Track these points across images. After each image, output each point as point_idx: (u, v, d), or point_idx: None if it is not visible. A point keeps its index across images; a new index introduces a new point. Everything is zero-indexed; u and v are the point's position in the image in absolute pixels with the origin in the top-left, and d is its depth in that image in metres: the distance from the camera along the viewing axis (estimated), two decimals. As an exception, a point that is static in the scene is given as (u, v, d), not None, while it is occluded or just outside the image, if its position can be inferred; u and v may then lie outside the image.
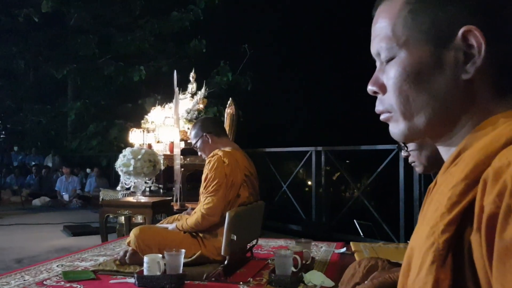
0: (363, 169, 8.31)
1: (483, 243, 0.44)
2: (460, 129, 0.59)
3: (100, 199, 5.37)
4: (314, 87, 14.27)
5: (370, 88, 0.65)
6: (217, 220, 2.49)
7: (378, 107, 0.65)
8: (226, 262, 2.36)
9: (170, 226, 2.65)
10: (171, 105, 5.50)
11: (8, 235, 4.83)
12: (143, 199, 3.75)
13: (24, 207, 7.82)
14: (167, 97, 6.31)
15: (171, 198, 4.34)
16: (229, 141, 2.90)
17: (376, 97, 0.66)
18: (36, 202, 8.36)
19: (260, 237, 3.01)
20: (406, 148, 1.43)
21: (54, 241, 4.43)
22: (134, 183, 3.70)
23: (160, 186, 5.08)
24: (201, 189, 2.59)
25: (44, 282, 2.26)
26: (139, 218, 4.23)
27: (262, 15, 13.60)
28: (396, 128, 0.63)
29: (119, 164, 3.62)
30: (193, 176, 5.08)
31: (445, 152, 0.63)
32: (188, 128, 5.20)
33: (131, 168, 3.56)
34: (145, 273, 2.18)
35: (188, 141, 4.99)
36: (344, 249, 3.14)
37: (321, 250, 3.18)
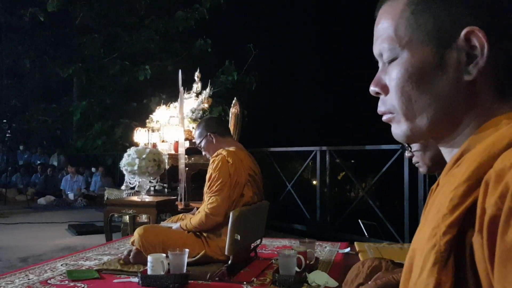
0: (368, 169, 8.29)
1: (485, 245, 0.44)
2: (463, 130, 0.58)
3: (105, 198, 5.38)
4: (319, 86, 14.25)
5: (373, 89, 0.65)
6: (221, 219, 2.49)
7: (380, 108, 0.65)
8: (230, 261, 2.36)
9: (174, 226, 2.66)
10: (176, 104, 5.51)
11: (13, 234, 4.86)
12: (147, 199, 3.76)
13: (30, 206, 7.86)
14: (172, 96, 6.33)
15: (175, 197, 4.35)
16: (233, 140, 2.90)
17: (378, 98, 0.66)
18: (41, 201, 8.40)
19: (264, 236, 3.01)
20: (410, 149, 1.43)
21: (59, 240, 4.45)
22: (139, 182, 3.71)
23: (165, 185, 5.09)
24: (205, 189, 2.59)
25: (48, 281, 2.28)
26: (143, 218, 4.23)
27: (267, 15, 13.60)
28: (398, 129, 0.63)
29: (123, 164, 3.63)
30: (197, 176, 5.09)
31: (448, 153, 0.63)
32: (193, 128, 5.20)
33: (135, 168, 3.57)
34: (149, 272, 2.19)
35: (193, 140, 4.99)
36: (349, 249, 3.13)
37: (325, 250, 3.17)
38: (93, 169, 9.87)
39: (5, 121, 9.86)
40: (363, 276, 1.55)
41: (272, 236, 4.04)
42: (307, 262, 2.36)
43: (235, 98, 5.40)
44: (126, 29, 11.94)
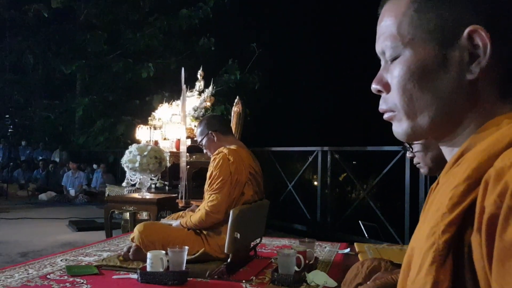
0: (369, 170, 8.28)
1: (483, 244, 0.44)
2: (464, 129, 0.58)
3: (106, 195, 5.39)
4: (321, 86, 14.24)
5: (374, 86, 0.65)
6: (221, 217, 2.49)
7: (382, 106, 0.65)
8: (229, 260, 2.36)
9: (174, 223, 2.66)
10: (179, 102, 5.51)
11: (14, 229, 4.87)
12: (148, 196, 3.77)
13: (31, 202, 7.89)
14: (175, 94, 6.34)
15: (176, 195, 4.35)
16: (234, 139, 2.90)
17: (380, 97, 0.65)
18: (43, 196, 8.42)
19: (264, 236, 3.01)
20: (411, 149, 1.42)
21: (59, 236, 4.46)
22: (140, 179, 3.72)
23: (166, 183, 5.10)
24: (206, 187, 2.59)
25: (48, 276, 2.28)
26: (144, 215, 4.24)
27: (271, 15, 13.60)
28: (399, 128, 0.63)
29: (125, 160, 3.63)
30: (198, 174, 5.09)
31: (448, 152, 0.63)
32: (195, 126, 5.20)
33: (137, 165, 3.57)
34: (148, 269, 2.19)
35: (195, 138, 5.00)
36: (348, 249, 3.13)
37: (325, 250, 3.17)
38: (94, 166, 9.88)
39: (7, 116, 9.88)
40: (362, 276, 1.55)
41: (272, 235, 4.04)
42: (307, 261, 2.36)
43: (237, 97, 5.40)
44: (130, 26, 11.96)
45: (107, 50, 11.93)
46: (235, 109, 5.34)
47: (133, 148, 3.67)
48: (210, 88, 5.68)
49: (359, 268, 1.61)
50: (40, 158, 11.17)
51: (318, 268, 2.49)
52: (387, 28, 0.62)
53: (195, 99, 5.65)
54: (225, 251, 2.36)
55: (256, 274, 2.42)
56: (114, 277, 2.30)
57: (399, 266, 1.56)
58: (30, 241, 4.11)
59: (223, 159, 2.55)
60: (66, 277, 2.27)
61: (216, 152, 2.64)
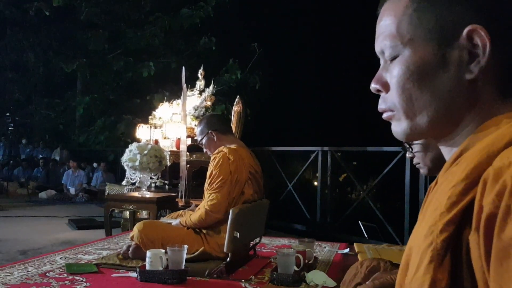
0: (369, 171, 8.28)
1: (481, 243, 0.44)
2: (463, 129, 0.58)
3: (106, 194, 5.39)
4: (322, 87, 14.24)
5: (373, 86, 0.65)
6: (220, 216, 2.49)
7: (381, 106, 0.65)
8: (228, 259, 2.37)
9: (174, 222, 2.66)
10: (179, 101, 5.51)
11: (13, 227, 4.87)
12: (148, 195, 3.77)
13: (31, 200, 7.89)
14: (175, 93, 6.34)
15: (176, 194, 4.35)
16: (234, 138, 2.90)
17: (379, 96, 0.66)
18: (43, 195, 8.43)
19: (263, 235, 3.01)
20: (411, 150, 1.42)
21: (59, 234, 4.46)
22: (140, 178, 3.72)
23: (166, 182, 5.09)
24: (206, 186, 2.59)
25: (47, 274, 2.28)
26: (143, 213, 4.24)
27: (272, 14, 13.59)
28: (399, 127, 0.63)
29: (125, 159, 3.63)
30: (198, 173, 5.09)
31: (447, 152, 0.63)
32: (195, 125, 5.20)
33: (137, 163, 3.57)
34: (148, 267, 2.19)
35: (195, 138, 5.00)
36: (348, 249, 3.13)
37: (324, 250, 3.17)
38: (94, 165, 9.89)
39: (8, 114, 9.89)
40: (361, 276, 1.55)
41: (271, 235, 4.04)
42: (306, 261, 2.36)
43: (238, 96, 5.40)
44: (131, 25, 11.96)
45: (108, 49, 11.93)
46: (236, 108, 5.34)
47: (133, 147, 3.67)
48: (211, 87, 5.68)
49: (358, 268, 1.61)
50: (41, 156, 11.18)
51: (318, 268, 2.49)
52: (386, 27, 0.62)
53: (195, 98, 5.65)
54: (225, 250, 2.36)
55: (256, 274, 2.42)
56: (114, 275, 2.30)
57: (398, 266, 1.55)
58: (30, 239, 4.11)
59: (223, 158, 2.55)
60: (65, 275, 2.27)
61: (216, 151, 2.64)
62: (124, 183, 4.07)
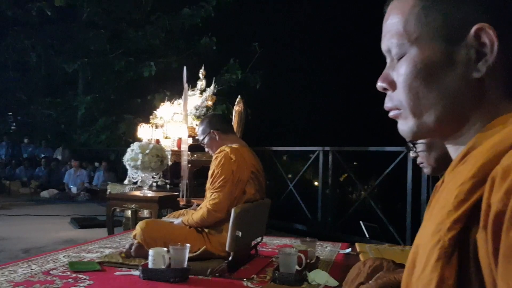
0: (370, 171, 8.27)
1: (489, 241, 0.44)
2: (470, 127, 0.58)
3: (108, 193, 5.40)
4: (323, 86, 14.23)
5: (380, 84, 0.65)
6: (222, 216, 2.49)
7: (387, 104, 0.65)
8: (230, 258, 2.37)
9: (176, 221, 2.67)
10: (180, 101, 5.52)
11: (16, 226, 4.88)
12: (149, 194, 3.77)
13: (33, 199, 7.90)
14: (176, 93, 6.33)
15: (177, 193, 4.36)
16: (236, 138, 2.90)
17: (385, 95, 0.66)
18: (45, 194, 8.44)
19: (264, 235, 3.01)
20: (414, 149, 1.42)
21: (61, 233, 4.47)
22: (142, 177, 3.72)
23: (167, 181, 5.10)
24: (208, 185, 2.60)
25: (51, 272, 2.29)
26: (145, 213, 4.25)
27: (273, 14, 13.59)
28: (405, 126, 0.63)
29: (127, 158, 3.64)
30: (200, 172, 5.10)
31: (454, 150, 0.63)
32: (196, 125, 5.21)
33: (138, 163, 3.58)
34: (150, 266, 2.20)
35: (196, 137, 5.00)
36: (350, 249, 3.14)
37: (326, 249, 3.17)
38: (96, 164, 9.90)
39: (10, 114, 9.91)
40: (364, 276, 1.55)
41: (272, 235, 4.04)
42: (308, 261, 2.36)
43: (239, 96, 5.41)
44: (132, 25, 11.96)
45: (109, 48, 11.95)
46: (237, 108, 5.34)
47: (135, 146, 3.68)
48: (212, 87, 5.68)
49: (361, 268, 1.61)
50: (42, 155, 11.20)
51: (319, 267, 2.50)
52: (393, 26, 0.62)
53: (196, 98, 5.66)
54: (227, 249, 2.37)
55: (257, 273, 2.42)
56: (116, 273, 2.31)
57: (401, 266, 1.56)
58: (32, 238, 4.12)
59: (225, 158, 2.55)
60: (68, 273, 2.28)
61: (218, 150, 2.65)
62: (126, 182, 4.08)
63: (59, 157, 11.10)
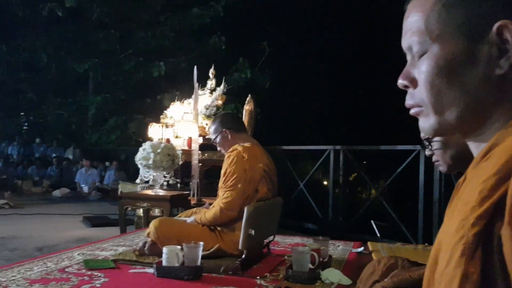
0: (380, 170, 8.23)
1: None
2: (492, 124, 0.59)
3: (119, 192, 5.44)
4: (332, 85, 14.17)
5: (401, 82, 0.65)
6: (235, 214, 2.50)
7: (409, 102, 0.65)
8: (243, 256, 2.38)
9: (189, 219, 2.68)
10: (190, 100, 5.54)
11: (29, 224, 4.94)
12: (161, 193, 3.80)
13: (45, 198, 7.99)
14: (186, 93, 6.36)
15: (188, 192, 4.38)
16: (248, 136, 2.91)
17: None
18: (56, 193, 8.53)
19: (276, 234, 3.02)
20: (430, 147, 1.41)
21: (74, 231, 4.52)
22: (153, 176, 3.75)
23: (178, 180, 5.13)
24: (220, 184, 2.61)
25: (66, 269, 2.32)
26: (156, 211, 4.27)
27: (282, 13, 13.56)
28: (426, 123, 0.63)
29: (138, 158, 3.67)
30: (210, 172, 5.12)
31: (475, 147, 0.63)
32: (207, 124, 5.23)
33: (150, 162, 3.60)
34: (164, 263, 2.22)
35: (206, 136, 5.03)
36: (362, 248, 3.13)
37: (338, 248, 3.17)
38: (107, 163, 9.98)
39: (22, 114, 10.01)
40: (379, 274, 1.54)
41: (283, 234, 4.04)
42: (321, 259, 2.36)
43: (249, 95, 5.42)
44: (141, 25, 12.04)
45: (119, 49, 12.03)
46: (247, 107, 5.35)
47: (146, 145, 3.71)
48: (222, 86, 5.70)
49: (376, 266, 1.61)
50: (54, 155, 11.32)
51: (332, 266, 2.49)
52: (414, 23, 0.63)
53: (206, 98, 5.68)
54: (240, 248, 2.37)
55: (270, 271, 2.43)
56: (131, 271, 2.33)
57: (416, 264, 1.55)
58: (46, 236, 4.17)
59: (237, 157, 2.56)
60: (83, 270, 2.31)
61: (231, 149, 2.66)
62: (137, 181, 4.11)
63: (70, 157, 11.20)
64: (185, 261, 2.22)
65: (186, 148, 5.08)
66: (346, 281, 2.20)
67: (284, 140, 7.18)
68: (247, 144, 2.69)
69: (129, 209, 3.89)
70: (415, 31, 0.62)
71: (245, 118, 5.25)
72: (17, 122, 12.25)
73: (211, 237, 2.53)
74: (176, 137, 5.35)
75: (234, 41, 11.77)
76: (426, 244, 3.30)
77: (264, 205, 2.59)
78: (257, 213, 2.44)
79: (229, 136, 2.78)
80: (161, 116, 5.76)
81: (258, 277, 2.29)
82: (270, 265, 2.56)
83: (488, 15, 0.56)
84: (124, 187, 5.78)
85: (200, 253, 2.25)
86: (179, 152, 4.77)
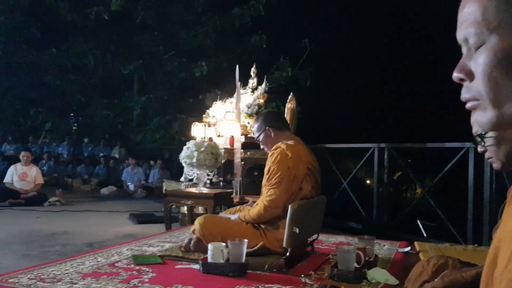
0: (425, 169, 7.99)
1: None
2: None
3: (164, 190, 5.57)
4: (376, 82, 13.90)
5: (456, 75, 0.63)
6: (279, 212, 2.51)
7: (464, 95, 0.64)
8: (288, 254, 2.38)
9: (233, 217, 2.71)
10: (232, 100, 5.59)
11: (79, 221, 5.15)
12: (205, 191, 3.86)
13: (93, 195, 8.31)
14: (227, 92, 6.43)
15: (231, 190, 4.43)
16: (291, 134, 2.91)
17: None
18: (104, 191, 8.84)
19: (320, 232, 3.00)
20: (483, 143, 1.36)
21: (121, 228, 4.66)
22: (197, 174, 3.81)
23: (221, 178, 5.19)
24: (264, 181, 2.62)
25: (116, 264, 2.41)
26: (199, 209, 4.35)
27: (323, 10, 13.43)
28: (484, 117, 0.61)
29: (183, 156, 3.74)
30: (252, 170, 5.15)
31: None
32: (248, 123, 5.27)
33: (194, 160, 3.67)
34: (209, 260, 2.26)
35: (248, 135, 5.06)
36: (409, 248, 3.06)
37: (383, 248, 3.12)
38: (151, 162, 10.25)
39: (72, 115, 10.45)
40: (429, 274, 1.51)
41: (327, 233, 4.01)
42: (366, 258, 2.33)
43: (291, 93, 5.40)
44: (184, 26, 12.27)
45: (162, 50, 12.32)
46: (289, 105, 5.33)
47: (190, 144, 3.77)
48: (263, 85, 5.72)
49: (425, 266, 1.57)
50: (101, 154, 11.74)
51: (378, 266, 2.45)
52: (470, 14, 0.61)
53: (248, 96, 5.71)
54: (284, 245, 2.38)
55: (315, 269, 2.42)
56: (177, 266, 2.39)
57: (468, 265, 1.50)
58: (95, 232, 4.33)
59: (281, 154, 2.57)
60: (132, 265, 2.39)
61: (274, 147, 2.66)
62: (182, 179, 4.19)
63: (117, 156, 11.59)
64: (229, 258, 2.25)
65: (228, 146, 5.13)
66: (393, 281, 2.16)
67: (326, 138, 7.11)
68: (290, 142, 2.69)
69: (174, 206, 3.98)
70: (471, 22, 0.61)
71: (287, 116, 5.24)
72: (67, 122, 12.79)
73: (254, 235, 2.55)
74: (219, 136, 5.41)
75: (275, 40, 11.78)
76: (476, 244, 3.19)
77: (308, 203, 2.58)
78: (301, 211, 2.44)
79: (272, 134, 2.79)
80: (204, 116, 5.85)
81: (302, 275, 2.28)
82: (315, 264, 2.55)
83: None
84: (168, 185, 5.91)
85: (245, 250, 2.27)
86: (222, 151, 4.82)
